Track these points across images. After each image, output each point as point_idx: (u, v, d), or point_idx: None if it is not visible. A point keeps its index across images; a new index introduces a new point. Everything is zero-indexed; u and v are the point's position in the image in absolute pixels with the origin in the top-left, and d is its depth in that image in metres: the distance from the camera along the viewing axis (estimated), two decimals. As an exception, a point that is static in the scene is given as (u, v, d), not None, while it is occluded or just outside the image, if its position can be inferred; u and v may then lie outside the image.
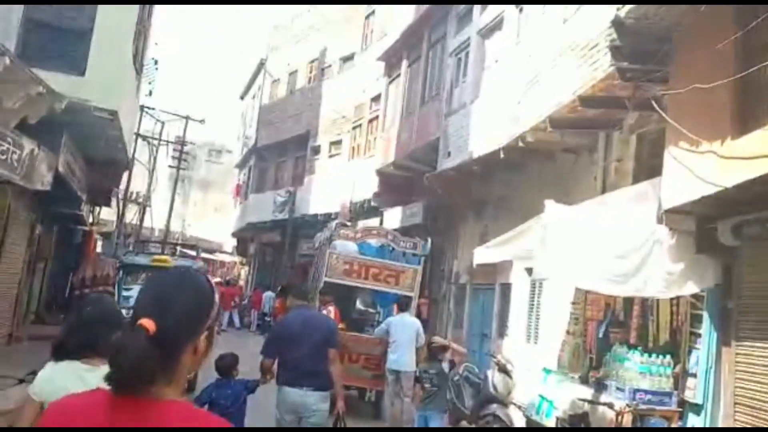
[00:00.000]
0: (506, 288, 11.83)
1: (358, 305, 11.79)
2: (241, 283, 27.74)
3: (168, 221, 35.85)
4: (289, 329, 5.18)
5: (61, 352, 2.49)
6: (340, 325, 9.00)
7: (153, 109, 34.28)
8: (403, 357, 9.10)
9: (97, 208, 17.86)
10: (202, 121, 35.36)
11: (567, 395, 7.15)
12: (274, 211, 24.13)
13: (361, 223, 13.75)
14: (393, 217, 15.36)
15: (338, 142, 21.02)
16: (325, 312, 8.43)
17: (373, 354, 9.49)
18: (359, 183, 18.38)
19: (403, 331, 9.13)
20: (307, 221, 21.24)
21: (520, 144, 9.67)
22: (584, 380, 7.40)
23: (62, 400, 1.41)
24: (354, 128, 19.99)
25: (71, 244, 15.91)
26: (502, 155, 10.38)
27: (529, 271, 11.09)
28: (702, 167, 5.66)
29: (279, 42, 27.05)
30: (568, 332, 8.97)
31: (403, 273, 9.69)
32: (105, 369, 1.37)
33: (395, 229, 14.54)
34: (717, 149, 5.48)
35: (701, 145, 5.68)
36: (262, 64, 28.54)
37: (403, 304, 9.33)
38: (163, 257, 8.55)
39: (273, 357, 5.07)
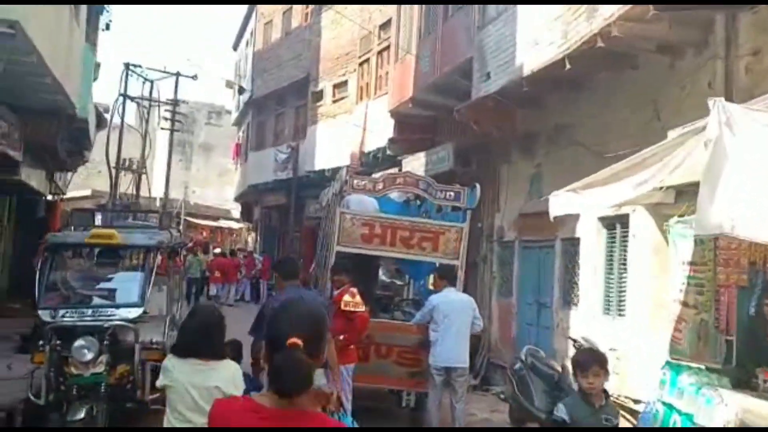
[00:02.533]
0: (571, 244, 9.18)
1: (381, 276, 9.24)
2: (250, 250, 25.20)
3: (166, 188, 33.39)
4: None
5: (178, 351, 3.38)
6: (363, 309, 6.45)
7: (139, 66, 31.56)
8: (454, 348, 6.55)
9: (64, 175, 15.24)
10: (194, 77, 32.52)
11: (725, 411, 4.57)
12: (275, 169, 21.50)
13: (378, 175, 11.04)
14: (415, 166, 12.64)
15: (343, 84, 18.16)
16: (349, 297, 5.88)
17: (410, 345, 6.96)
18: (371, 129, 15.62)
19: (453, 314, 6.57)
20: (313, 179, 18.60)
21: (600, 44, 6.87)
22: (740, 382, 4.82)
23: (225, 405, 1.81)
24: (361, 65, 17.09)
25: (32, 219, 13.27)
26: (567, 65, 7.60)
27: (606, 221, 8.44)
28: None
29: (269, -22, 23.93)
30: (686, 304, 6.32)
31: (442, 234, 7.06)
32: (214, 366, 3.19)
33: (431, 174, 11.94)
34: None
35: None
36: (253, 6, 25.47)
37: (449, 276, 6.73)
38: (106, 231, 5.97)
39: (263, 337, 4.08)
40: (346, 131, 16.79)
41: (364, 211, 7.24)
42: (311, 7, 20.66)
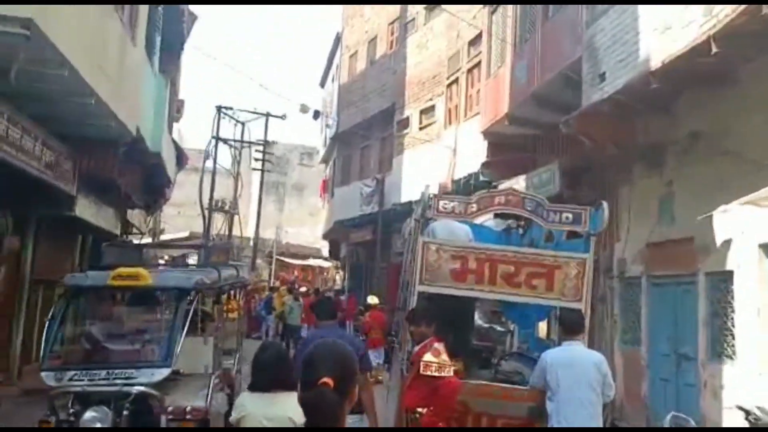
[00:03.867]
0: (721, 279, 7.21)
1: (477, 321, 7.60)
2: (337, 289, 23.98)
3: (257, 228, 33.30)
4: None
5: (253, 387, 3.47)
6: (453, 368, 4.93)
7: (230, 109, 32.04)
8: (577, 425, 4.83)
9: (142, 214, 14.66)
10: (283, 117, 32.69)
11: None
12: (361, 204, 20.37)
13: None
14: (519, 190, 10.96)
15: (430, 109, 16.86)
16: (431, 357, 4.36)
17: (520, 416, 5.27)
18: (462, 154, 14.15)
19: (574, 378, 4.87)
20: (400, 212, 17.25)
21: (766, 10, 5.12)
22: None
23: None
24: (449, 86, 15.74)
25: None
26: (714, 49, 5.86)
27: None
28: None
29: (354, 9, 23.32)
30: None
31: (558, 269, 5.39)
32: (283, 397, 3.25)
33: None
34: None
35: None
36: (338, 39, 24.95)
37: (571, 325, 5.06)
38: (132, 270, 4.80)
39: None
40: (434, 159, 15.40)
41: (455, 239, 5.73)
42: (396, 34, 19.67)
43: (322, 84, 30.71)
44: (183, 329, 4.62)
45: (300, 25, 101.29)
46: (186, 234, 38.11)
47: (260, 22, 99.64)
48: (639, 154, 8.57)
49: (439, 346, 4.33)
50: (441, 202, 5.61)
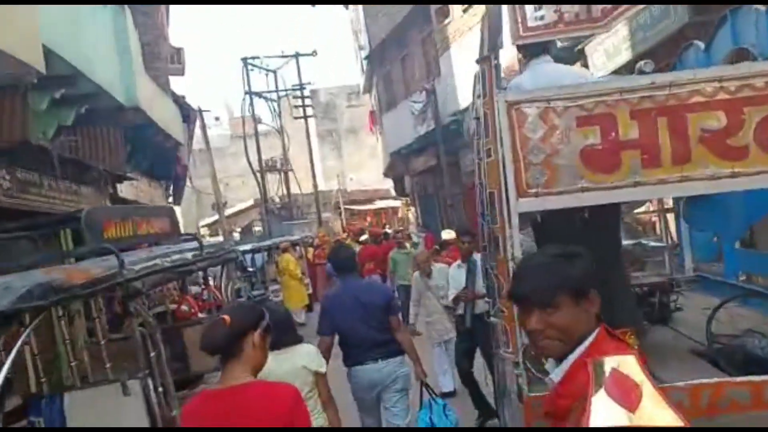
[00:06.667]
0: None
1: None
2: (398, 230, 20.18)
3: (314, 180, 30.90)
4: (340, 303, 4.54)
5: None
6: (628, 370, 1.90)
7: (257, 58, 29.39)
8: None
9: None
10: (314, 53, 29.94)
11: None
12: (415, 125, 17.31)
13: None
14: (615, 42, 7.68)
15: (470, -18, 13.39)
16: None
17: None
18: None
19: None
20: (462, 122, 14.07)
21: None
22: None
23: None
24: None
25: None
26: None
27: None
28: None
29: None
30: None
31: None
32: (293, 350, 3.60)
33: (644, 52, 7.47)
34: None
35: None
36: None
37: None
38: None
39: (331, 333, 4.47)
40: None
41: (571, 81, 2.72)
42: None
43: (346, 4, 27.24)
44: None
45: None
46: (251, 202, 36.38)
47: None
48: None
49: (626, 363, 1.38)
50: (528, 10, 2.56)
